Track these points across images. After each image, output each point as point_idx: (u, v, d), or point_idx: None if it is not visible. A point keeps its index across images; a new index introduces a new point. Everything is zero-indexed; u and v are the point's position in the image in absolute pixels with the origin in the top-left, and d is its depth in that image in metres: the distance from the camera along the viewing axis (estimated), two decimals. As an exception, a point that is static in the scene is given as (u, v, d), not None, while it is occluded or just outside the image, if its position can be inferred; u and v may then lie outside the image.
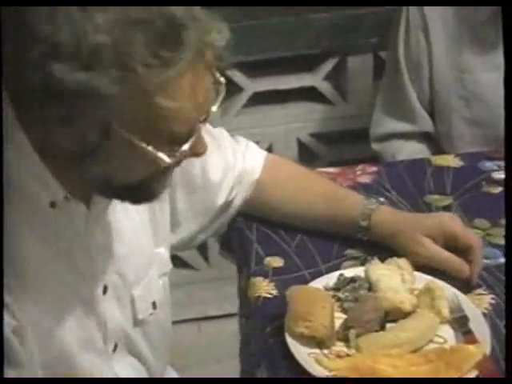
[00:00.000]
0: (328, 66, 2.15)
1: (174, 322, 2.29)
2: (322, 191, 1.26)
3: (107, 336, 1.03)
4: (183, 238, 1.21)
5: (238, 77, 2.13)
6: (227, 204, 1.24)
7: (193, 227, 1.22)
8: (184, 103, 0.85)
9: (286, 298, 1.09)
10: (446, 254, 1.16)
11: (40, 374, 0.94)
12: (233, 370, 1.54)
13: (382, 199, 1.26)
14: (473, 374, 0.98)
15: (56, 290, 0.95)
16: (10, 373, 0.89)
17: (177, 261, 2.27)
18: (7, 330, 0.88)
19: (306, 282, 1.15)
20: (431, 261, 1.16)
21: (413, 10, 1.62)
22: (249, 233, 1.27)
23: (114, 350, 1.05)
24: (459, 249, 1.16)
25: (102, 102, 0.82)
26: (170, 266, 1.15)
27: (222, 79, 0.93)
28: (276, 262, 1.21)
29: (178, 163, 0.92)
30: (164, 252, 1.13)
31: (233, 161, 1.23)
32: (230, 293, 2.21)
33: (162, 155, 0.87)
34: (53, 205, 0.93)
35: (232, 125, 2.12)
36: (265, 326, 1.09)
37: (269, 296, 1.14)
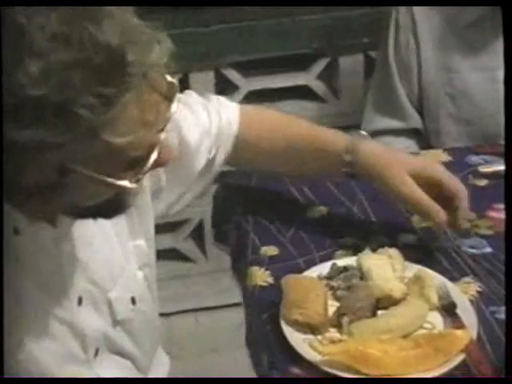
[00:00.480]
0: (320, 65, 2.16)
1: (172, 313, 2.32)
2: (303, 132, 1.22)
3: (86, 344, 1.00)
4: (169, 201, 1.16)
5: (233, 76, 2.14)
6: (209, 164, 1.19)
7: (176, 191, 1.17)
8: (134, 134, 0.81)
9: (280, 286, 1.10)
10: (426, 199, 1.12)
11: None
12: (228, 359, 1.56)
13: (364, 133, 1.22)
14: (460, 358, 1.00)
15: (26, 316, 0.93)
16: None
17: (175, 253, 2.29)
18: None
19: (300, 269, 1.15)
20: (411, 202, 1.13)
21: (402, 12, 1.63)
22: (245, 224, 1.27)
23: (96, 354, 1.02)
24: (443, 196, 1.13)
25: (52, 149, 0.78)
26: (152, 256, 1.11)
27: (173, 80, 0.86)
28: (271, 250, 1.21)
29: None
30: (143, 244, 1.09)
31: (208, 122, 1.17)
32: (227, 285, 2.21)
33: (123, 183, 0.84)
34: (17, 231, 0.91)
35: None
36: (262, 313, 1.10)
37: (265, 284, 1.15)
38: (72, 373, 0.99)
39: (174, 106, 0.87)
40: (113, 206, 0.91)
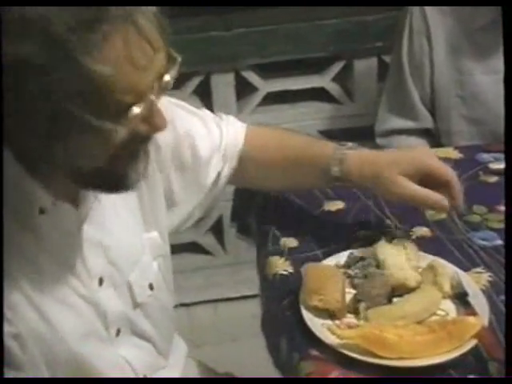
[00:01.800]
0: (336, 68, 2.16)
1: (193, 304, 2.32)
2: (298, 146, 1.20)
3: (108, 323, 1.01)
4: (182, 216, 1.18)
5: (252, 78, 2.14)
6: (217, 176, 1.19)
7: (189, 205, 1.18)
8: (118, 68, 0.79)
9: (300, 274, 1.10)
10: (424, 191, 1.10)
11: (47, 373, 0.93)
12: (246, 348, 1.56)
13: (352, 144, 1.17)
14: (473, 343, 0.99)
15: (53, 291, 0.94)
16: (11, 375, 0.89)
17: (195, 247, 2.30)
18: (6, 338, 0.87)
19: (318, 260, 1.15)
20: (410, 199, 1.12)
21: (416, 16, 1.62)
22: (265, 216, 1.28)
23: (118, 334, 1.03)
24: (436, 183, 1.11)
25: (36, 73, 0.77)
26: (166, 248, 1.11)
27: (176, 55, 0.87)
28: (291, 242, 1.21)
29: (138, 140, 0.87)
30: (156, 236, 1.09)
31: (219, 137, 1.18)
32: (245, 276, 2.23)
33: (110, 125, 0.81)
34: (42, 211, 0.91)
35: (247, 122, 2.13)
36: (282, 300, 1.10)
37: (285, 273, 1.15)
38: (94, 349, 0.99)
39: (168, 77, 0.86)
40: (115, 176, 0.90)
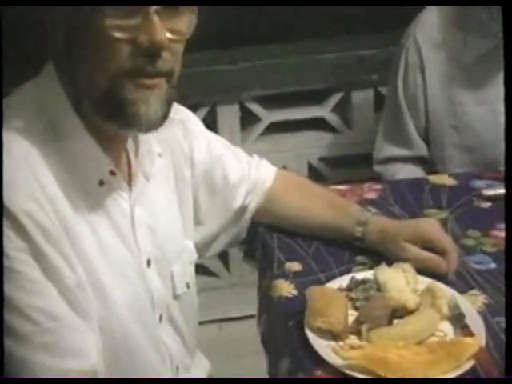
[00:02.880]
0: (335, 99, 2.17)
1: (199, 322, 2.30)
2: (324, 201, 1.25)
3: (154, 305, 1.02)
4: (206, 236, 1.20)
5: (256, 108, 2.15)
6: (243, 209, 1.23)
7: (214, 226, 1.20)
8: None
9: (305, 297, 1.09)
10: (426, 255, 1.15)
11: (100, 338, 0.93)
12: (250, 366, 1.55)
13: (374, 210, 1.25)
14: (470, 363, 0.98)
15: (112, 259, 0.95)
16: (76, 321, 0.89)
17: (202, 269, 2.29)
18: (71, 284, 0.89)
19: (321, 283, 1.15)
20: (413, 262, 1.14)
21: (411, 51, 1.63)
22: (271, 241, 1.27)
23: (160, 319, 1.04)
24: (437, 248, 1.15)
25: None
26: (196, 255, 1.14)
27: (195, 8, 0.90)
28: (295, 266, 1.21)
29: (140, 53, 0.87)
30: (190, 244, 1.13)
31: (248, 170, 1.23)
32: (248, 297, 2.21)
33: (110, 11, 0.84)
34: (101, 183, 0.94)
35: (251, 150, 2.12)
36: (287, 321, 1.09)
37: (290, 296, 1.14)
38: (142, 327, 0.99)
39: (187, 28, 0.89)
40: (125, 103, 0.89)
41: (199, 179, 1.15)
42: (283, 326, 1.10)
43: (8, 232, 0.84)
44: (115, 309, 0.95)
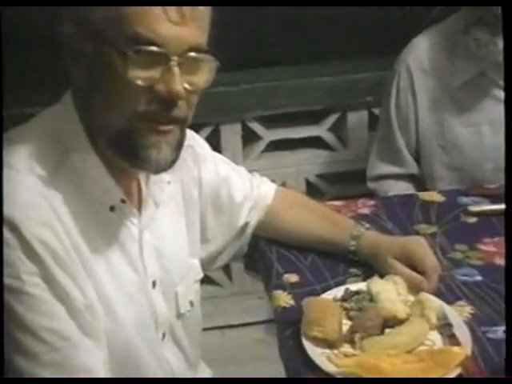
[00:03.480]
0: (331, 119, 2.18)
1: (203, 329, 2.30)
2: (320, 216, 1.25)
3: (158, 325, 1.02)
4: (211, 252, 1.20)
5: (257, 128, 2.16)
6: (245, 225, 1.23)
7: (219, 243, 1.20)
8: (151, 9, 0.83)
9: (301, 307, 1.09)
10: (409, 273, 1.14)
11: (107, 352, 0.92)
12: (251, 371, 1.55)
13: (367, 225, 1.25)
14: (457, 371, 0.98)
15: (118, 280, 0.95)
16: (85, 341, 0.89)
17: (206, 279, 2.27)
18: (80, 305, 0.89)
19: (317, 294, 1.15)
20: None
21: (403, 76, 1.63)
22: (270, 254, 1.27)
23: (163, 337, 1.03)
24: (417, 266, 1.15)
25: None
26: (202, 274, 1.13)
27: (212, 58, 0.90)
28: (293, 277, 1.21)
29: (157, 102, 0.87)
30: (196, 263, 1.12)
31: (250, 188, 1.23)
32: (249, 305, 2.22)
33: (128, 51, 0.84)
34: (112, 208, 0.94)
35: (252, 167, 2.13)
36: (285, 330, 1.09)
37: (287, 306, 1.14)
38: (146, 343, 0.98)
39: (194, 54, 0.87)
40: (136, 145, 0.89)
41: (207, 199, 1.15)
42: (281, 335, 1.10)
43: (21, 256, 0.84)
44: (121, 326, 0.95)
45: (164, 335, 1.04)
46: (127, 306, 0.96)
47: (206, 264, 1.18)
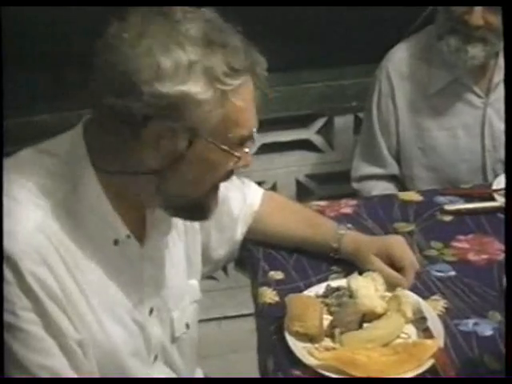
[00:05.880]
0: (319, 123, 2.16)
1: (200, 321, 2.30)
2: (304, 218, 1.24)
3: (150, 348, 0.99)
4: (213, 268, 1.20)
5: (249, 132, 2.14)
6: (240, 234, 1.21)
7: (220, 258, 1.19)
8: (248, 106, 0.87)
9: (285, 303, 1.09)
10: (387, 271, 1.13)
11: (97, 374, 0.91)
12: (246, 359, 1.54)
13: (349, 225, 1.24)
14: (430, 362, 0.98)
15: (113, 310, 0.93)
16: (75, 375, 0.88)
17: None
18: (73, 344, 0.87)
19: (300, 291, 1.14)
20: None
21: (384, 82, 1.63)
22: (256, 253, 1.26)
23: (155, 360, 1.01)
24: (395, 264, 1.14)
25: (198, 106, 0.82)
26: (200, 295, 1.09)
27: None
28: (278, 275, 1.20)
29: (236, 168, 0.90)
30: (195, 283, 1.08)
31: (243, 200, 1.21)
32: (244, 298, 2.20)
33: (236, 153, 0.87)
34: (116, 242, 0.91)
35: (245, 169, 2.13)
36: (269, 326, 1.08)
37: (272, 302, 1.14)
38: (138, 367, 0.97)
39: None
40: (204, 205, 0.92)
41: (210, 224, 1.11)
42: (266, 330, 1.09)
43: (17, 291, 0.83)
44: (115, 351, 0.93)
45: (156, 357, 1.01)
46: (122, 332, 0.94)
47: (204, 274, 1.16)
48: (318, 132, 2.18)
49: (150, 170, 0.86)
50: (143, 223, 0.96)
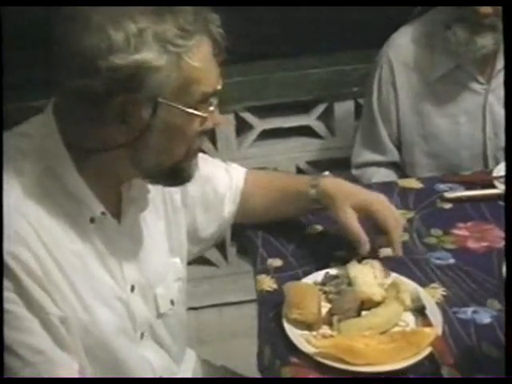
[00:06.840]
0: (319, 109, 2.15)
1: (201, 307, 2.31)
2: (283, 183, 1.22)
3: (136, 326, 0.99)
4: (203, 247, 1.20)
5: (249, 117, 2.13)
6: (228, 213, 1.20)
7: (209, 237, 1.19)
8: (207, 65, 0.86)
9: (283, 291, 1.08)
10: (355, 228, 1.10)
11: (83, 356, 0.91)
12: (245, 344, 1.54)
13: (327, 173, 1.19)
14: (428, 350, 0.97)
15: (96, 288, 0.93)
16: (59, 355, 0.87)
17: (203, 260, 2.28)
18: (54, 319, 0.87)
19: (299, 278, 1.13)
20: (343, 228, 1.12)
21: (385, 68, 1.61)
22: (255, 239, 1.25)
23: (142, 337, 1.01)
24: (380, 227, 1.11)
25: (155, 73, 0.82)
26: (184, 273, 1.09)
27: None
28: (276, 262, 1.19)
29: (203, 133, 0.90)
30: (179, 262, 1.08)
31: (229, 178, 1.20)
32: (244, 284, 2.20)
33: (199, 113, 0.86)
34: (92, 220, 0.92)
35: (246, 155, 2.13)
36: (268, 313, 1.08)
37: (270, 289, 1.13)
38: (124, 345, 0.96)
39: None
40: (182, 170, 0.92)
41: (194, 203, 1.12)
42: (264, 317, 1.09)
43: None
44: (100, 330, 0.93)
45: (142, 335, 1.01)
46: (105, 310, 0.94)
47: (194, 255, 1.16)
48: (319, 118, 2.17)
49: (120, 145, 0.87)
50: (120, 200, 0.97)
